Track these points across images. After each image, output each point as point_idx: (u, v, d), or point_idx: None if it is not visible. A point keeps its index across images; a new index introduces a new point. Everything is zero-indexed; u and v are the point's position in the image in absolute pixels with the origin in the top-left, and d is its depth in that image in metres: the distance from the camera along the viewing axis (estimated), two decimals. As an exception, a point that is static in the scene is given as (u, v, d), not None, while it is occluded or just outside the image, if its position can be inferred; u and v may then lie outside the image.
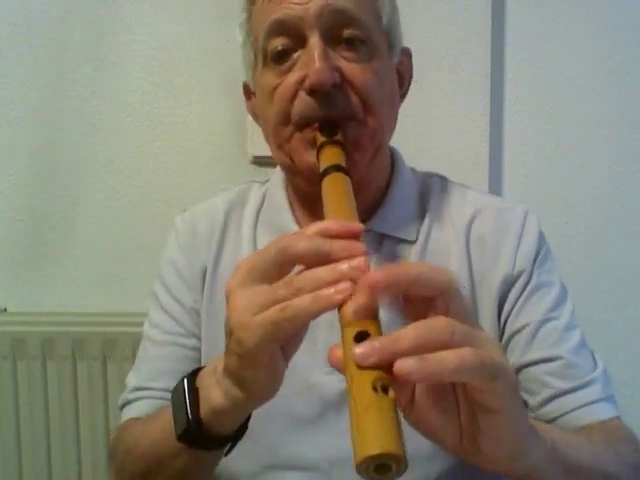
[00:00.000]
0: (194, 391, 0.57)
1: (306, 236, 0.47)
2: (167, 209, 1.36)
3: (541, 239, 0.77)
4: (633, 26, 1.31)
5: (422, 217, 0.77)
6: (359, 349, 0.38)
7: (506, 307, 0.74)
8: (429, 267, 0.43)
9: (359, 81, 0.67)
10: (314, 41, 0.66)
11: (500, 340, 0.74)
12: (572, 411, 0.68)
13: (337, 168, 0.63)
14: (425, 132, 1.32)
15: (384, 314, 0.42)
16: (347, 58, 0.67)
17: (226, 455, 0.62)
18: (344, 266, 0.43)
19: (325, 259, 0.45)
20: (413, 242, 0.75)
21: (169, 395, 0.61)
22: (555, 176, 1.35)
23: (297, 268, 0.48)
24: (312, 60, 0.65)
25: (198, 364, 0.77)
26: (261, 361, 0.48)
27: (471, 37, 1.30)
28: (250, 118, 0.81)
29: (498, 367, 0.41)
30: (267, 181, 0.85)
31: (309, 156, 0.68)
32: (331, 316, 0.44)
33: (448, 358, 0.38)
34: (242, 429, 0.59)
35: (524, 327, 0.72)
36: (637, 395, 1.33)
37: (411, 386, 0.44)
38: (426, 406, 0.44)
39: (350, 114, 0.67)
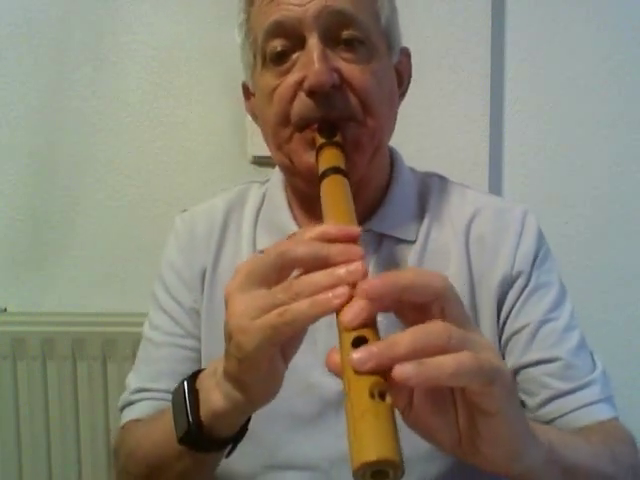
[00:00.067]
0: (194, 393, 0.57)
1: (304, 240, 0.47)
2: (167, 209, 1.36)
3: (540, 239, 0.76)
4: (633, 26, 1.31)
5: (421, 217, 0.77)
6: (356, 354, 0.38)
7: (505, 307, 0.74)
8: (424, 273, 0.43)
9: (358, 82, 0.67)
10: (313, 42, 0.66)
11: (499, 340, 0.74)
12: (571, 412, 0.68)
13: (336, 170, 0.63)
14: (425, 132, 1.32)
15: (382, 318, 0.42)
16: (346, 59, 0.67)
17: (227, 457, 0.62)
18: (342, 270, 0.44)
19: (323, 263, 0.45)
20: (413, 242, 0.75)
21: (170, 396, 0.61)
22: (555, 176, 1.35)
23: (296, 272, 0.48)
24: (311, 61, 0.65)
25: (198, 365, 0.77)
26: (261, 364, 0.48)
27: (471, 37, 1.30)
28: (250, 118, 0.81)
29: (496, 371, 0.41)
30: (267, 181, 0.85)
31: (308, 157, 0.68)
32: (330, 317, 0.44)
33: (446, 362, 0.38)
34: (242, 431, 0.59)
35: (523, 328, 0.72)
36: (637, 395, 1.33)
37: (409, 390, 0.44)
38: (424, 408, 0.44)
39: (349, 115, 0.67)
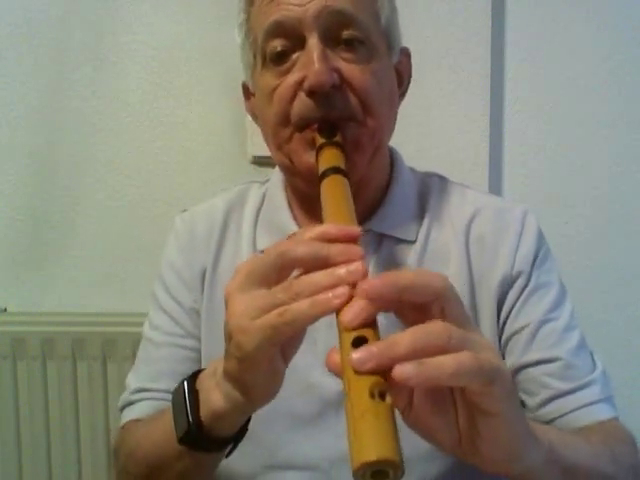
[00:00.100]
0: (194, 394, 0.57)
1: (305, 240, 0.47)
2: (167, 209, 1.36)
3: (540, 239, 0.76)
4: (633, 26, 1.31)
5: (421, 217, 0.77)
6: (356, 354, 0.38)
7: (505, 307, 0.74)
8: (424, 273, 0.43)
9: (358, 82, 0.67)
10: (313, 42, 0.66)
11: (499, 340, 0.74)
12: (571, 412, 0.68)
13: (336, 170, 0.63)
14: (425, 132, 1.32)
15: (382, 319, 0.43)
16: (346, 59, 0.67)
17: (227, 457, 0.62)
18: (342, 270, 0.44)
19: (323, 263, 0.45)
20: (412, 242, 0.75)
21: (170, 396, 0.61)
22: (555, 176, 1.35)
23: (295, 272, 0.48)
24: (311, 61, 0.65)
25: (198, 365, 0.77)
26: (261, 364, 0.48)
27: (471, 37, 1.30)
28: (250, 118, 0.81)
29: (496, 371, 0.41)
30: (267, 181, 0.85)
31: (308, 157, 0.68)
32: (330, 317, 0.44)
33: (446, 362, 0.38)
34: (242, 431, 0.59)
35: (523, 328, 0.72)
36: (637, 395, 1.33)
37: (409, 390, 0.44)
38: (424, 408, 0.44)
39: (349, 115, 0.67)
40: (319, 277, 0.44)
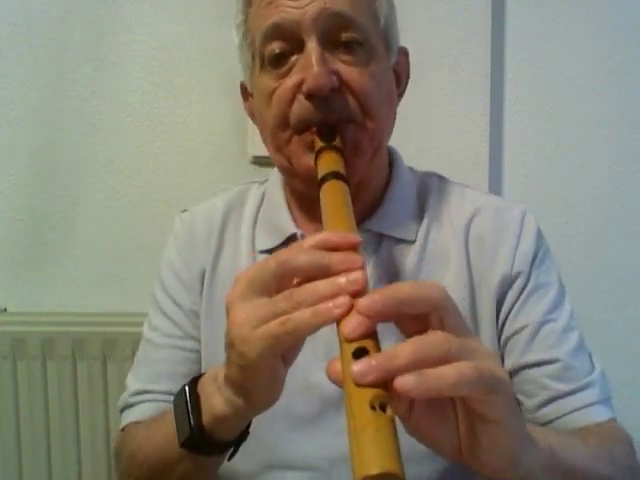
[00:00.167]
0: (196, 398, 0.57)
1: (305, 249, 0.47)
2: (167, 209, 1.36)
3: (539, 239, 0.76)
4: (633, 26, 1.31)
5: (421, 217, 0.77)
6: (357, 367, 0.38)
7: (504, 308, 0.73)
8: (421, 285, 0.43)
9: (357, 85, 0.67)
10: (311, 45, 0.65)
11: (499, 340, 0.74)
12: (569, 413, 0.68)
13: (335, 175, 0.62)
14: (425, 132, 1.32)
15: (381, 326, 0.42)
16: (345, 61, 0.67)
17: (229, 459, 0.62)
18: (342, 280, 0.44)
19: (324, 272, 0.45)
20: (412, 242, 0.75)
21: (170, 398, 0.61)
22: (555, 176, 1.35)
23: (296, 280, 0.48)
24: (310, 64, 0.64)
25: (198, 366, 0.77)
26: (262, 372, 0.48)
27: (471, 37, 1.30)
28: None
29: (496, 379, 0.41)
30: (266, 181, 0.85)
31: (307, 159, 0.68)
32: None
33: (447, 373, 0.38)
34: (244, 434, 0.60)
35: (522, 328, 0.72)
36: (636, 395, 1.33)
37: (410, 399, 0.44)
38: (425, 416, 0.44)
39: (348, 117, 0.67)
40: (320, 286, 0.44)
